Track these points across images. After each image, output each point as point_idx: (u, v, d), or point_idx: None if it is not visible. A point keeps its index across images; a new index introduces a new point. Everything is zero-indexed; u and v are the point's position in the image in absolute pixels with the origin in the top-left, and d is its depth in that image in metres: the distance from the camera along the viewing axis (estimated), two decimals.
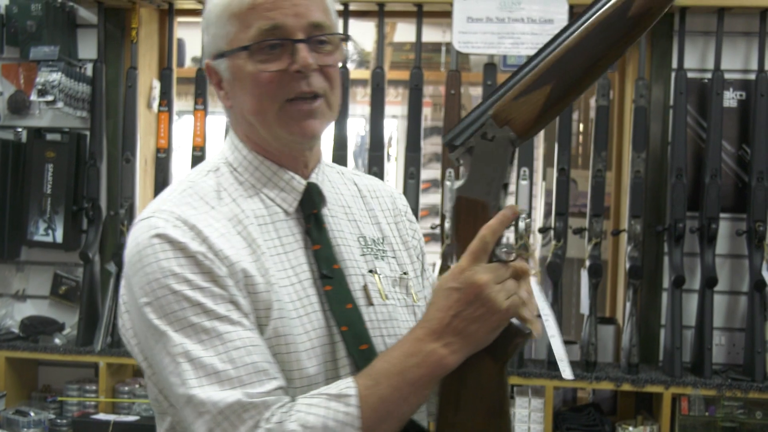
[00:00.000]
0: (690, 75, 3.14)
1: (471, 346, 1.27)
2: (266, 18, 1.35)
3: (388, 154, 4.78)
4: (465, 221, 1.30)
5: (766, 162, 3.09)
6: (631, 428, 3.09)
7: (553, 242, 3.16)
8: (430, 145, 4.74)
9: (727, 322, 3.22)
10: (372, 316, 1.42)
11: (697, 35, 3.20)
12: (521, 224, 3.13)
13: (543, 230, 3.32)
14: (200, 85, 3.32)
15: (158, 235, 1.30)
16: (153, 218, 1.33)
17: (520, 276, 1.29)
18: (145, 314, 1.29)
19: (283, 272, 1.37)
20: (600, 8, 1.25)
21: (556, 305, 3.11)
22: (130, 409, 3.30)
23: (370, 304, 1.43)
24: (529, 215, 3.14)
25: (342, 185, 1.56)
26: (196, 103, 3.32)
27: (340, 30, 1.46)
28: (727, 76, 3.14)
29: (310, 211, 1.43)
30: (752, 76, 3.15)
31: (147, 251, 1.30)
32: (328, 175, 1.53)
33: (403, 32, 4.81)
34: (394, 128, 5.02)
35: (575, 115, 4.53)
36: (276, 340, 1.31)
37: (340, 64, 1.44)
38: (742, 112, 3.21)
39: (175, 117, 3.40)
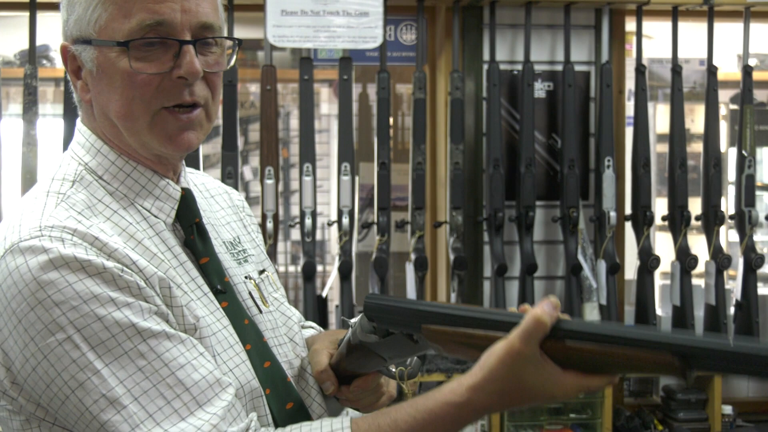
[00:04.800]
0: (501, 67, 3.21)
1: None
2: (150, 11, 1.18)
3: None
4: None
5: (575, 150, 3.21)
6: None
7: (378, 237, 3.14)
8: None
9: None
10: (265, 326, 1.32)
11: (505, 28, 3.27)
12: (344, 220, 3.10)
13: (366, 225, 3.30)
14: None
15: (56, 258, 1.10)
16: (35, 240, 1.12)
17: None
18: (60, 355, 1.09)
19: (192, 283, 1.23)
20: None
21: None
22: None
23: (260, 312, 1.33)
24: (352, 211, 3.11)
25: (192, 187, 1.40)
26: None
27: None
28: (535, 68, 3.23)
29: (192, 220, 1.28)
30: (559, 68, 3.26)
31: (49, 277, 1.10)
32: (185, 178, 1.37)
33: None
34: None
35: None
36: None
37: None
38: (551, 103, 3.32)
39: None
